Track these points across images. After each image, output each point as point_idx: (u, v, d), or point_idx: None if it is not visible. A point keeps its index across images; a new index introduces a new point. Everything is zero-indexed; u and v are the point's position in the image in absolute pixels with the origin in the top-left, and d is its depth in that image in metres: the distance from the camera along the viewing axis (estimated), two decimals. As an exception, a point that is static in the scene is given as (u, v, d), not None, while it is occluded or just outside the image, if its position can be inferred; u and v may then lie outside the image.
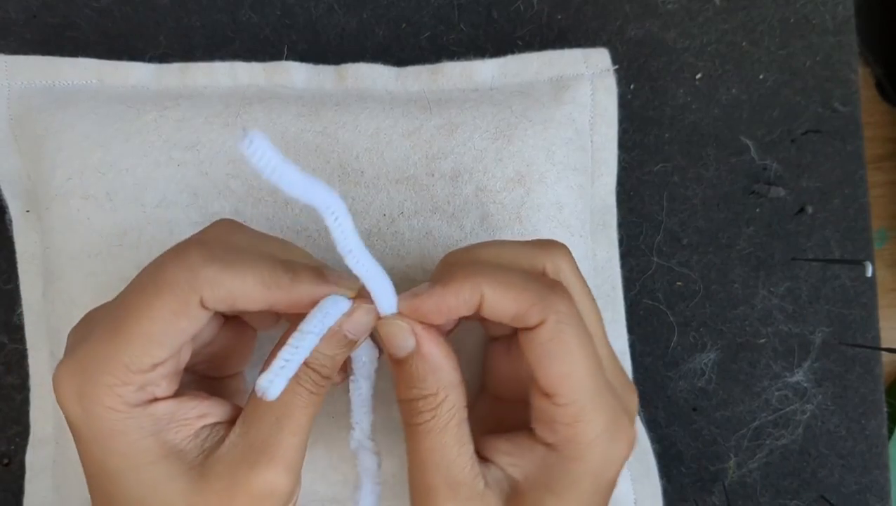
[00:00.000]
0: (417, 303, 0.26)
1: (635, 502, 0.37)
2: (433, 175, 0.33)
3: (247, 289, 0.24)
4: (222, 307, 0.25)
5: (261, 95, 0.35)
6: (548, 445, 0.26)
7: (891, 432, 0.43)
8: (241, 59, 0.36)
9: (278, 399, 0.24)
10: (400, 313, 0.26)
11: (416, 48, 0.39)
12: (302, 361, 0.25)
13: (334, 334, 0.26)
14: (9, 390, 0.37)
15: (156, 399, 0.25)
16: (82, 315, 0.27)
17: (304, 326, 0.25)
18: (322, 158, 0.33)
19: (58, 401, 0.25)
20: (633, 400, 0.29)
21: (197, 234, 0.27)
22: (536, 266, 0.27)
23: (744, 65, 0.40)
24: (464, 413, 0.27)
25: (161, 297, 0.24)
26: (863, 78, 0.45)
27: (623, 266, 0.38)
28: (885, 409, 0.40)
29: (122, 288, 0.26)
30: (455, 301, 0.25)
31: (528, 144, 0.34)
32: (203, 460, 0.25)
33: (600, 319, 0.29)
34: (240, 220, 0.32)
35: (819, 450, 0.39)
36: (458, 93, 0.36)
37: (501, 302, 0.25)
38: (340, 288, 0.26)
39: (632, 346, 0.38)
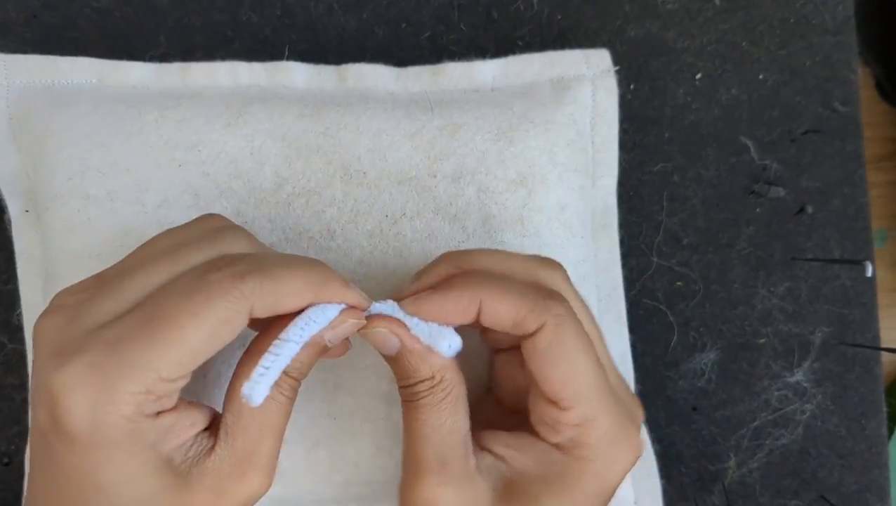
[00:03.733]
0: (417, 310, 0.26)
1: (635, 502, 0.37)
2: (435, 176, 0.33)
3: (293, 293, 0.25)
4: (266, 315, 0.25)
5: (262, 96, 0.35)
6: (551, 443, 0.26)
7: (891, 432, 0.43)
8: (241, 59, 0.36)
9: (262, 409, 0.25)
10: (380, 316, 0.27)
11: (417, 48, 0.39)
12: (282, 369, 0.25)
13: (316, 344, 0.26)
14: (9, 389, 0.37)
15: (163, 411, 0.24)
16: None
17: (287, 334, 0.25)
18: (324, 159, 0.33)
19: (55, 404, 0.23)
20: (637, 409, 0.29)
21: (222, 244, 0.27)
22: (533, 277, 0.27)
23: (744, 65, 0.40)
24: (459, 391, 0.27)
25: (211, 304, 0.23)
26: (863, 78, 0.45)
27: (623, 266, 0.38)
28: (885, 409, 0.40)
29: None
30: (454, 309, 0.26)
31: (529, 145, 0.34)
32: (188, 470, 0.25)
33: (600, 334, 0.29)
34: (241, 221, 0.32)
35: (819, 450, 0.39)
36: (460, 93, 0.36)
37: (499, 309, 0.25)
38: (360, 298, 0.27)
39: (632, 346, 0.38)
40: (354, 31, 0.39)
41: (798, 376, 0.39)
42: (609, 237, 0.38)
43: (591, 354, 0.26)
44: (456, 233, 0.33)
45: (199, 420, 0.26)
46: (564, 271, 0.28)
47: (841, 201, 0.40)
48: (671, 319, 0.39)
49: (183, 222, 0.28)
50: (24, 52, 0.37)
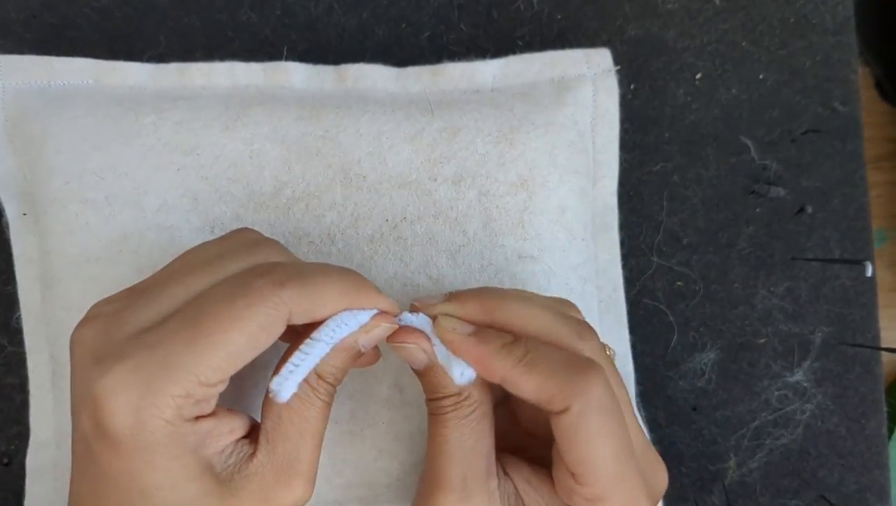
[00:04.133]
0: (456, 347, 0.27)
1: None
2: (435, 180, 0.33)
3: (329, 300, 0.25)
4: (303, 321, 0.25)
5: (260, 97, 0.35)
6: (564, 503, 0.27)
7: (891, 432, 0.43)
8: (241, 59, 0.36)
9: (300, 413, 0.25)
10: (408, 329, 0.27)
11: (416, 48, 0.39)
12: (311, 368, 0.25)
13: (349, 347, 0.26)
14: (9, 390, 0.37)
15: (202, 416, 0.25)
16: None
17: (318, 334, 0.26)
18: (324, 162, 0.33)
19: (98, 408, 0.23)
20: (660, 481, 0.29)
21: (258, 255, 0.27)
22: (568, 343, 0.27)
23: (744, 65, 0.40)
24: (486, 408, 0.27)
25: (253, 309, 0.24)
26: (863, 78, 0.45)
27: (623, 266, 0.38)
28: (885, 408, 0.40)
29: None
30: (481, 365, 0.26)
31: (530, 147, 0.34)
32: (230, 477, 0.25)
33: (628, 398, 0.28)
34: (241, 225, 0.32)
35: (819, 450, 0.39)
36: (460, 94, 0.36)
37: (524, 386, 0.25)
38: (392, 305, 0.27)
39: (632, 346, 0.38)
40: (354, 31, 0.39)
41: (798, 376, 0.39)
42: (609, 239, 0.38)
43: (615, 436, 0.25)
44: (456, 237, 0.33)
45: (237, 427, 0.26)
46: (597, 338, 0.28)
47: (841, 201, 0.40)
48: (671, 319, 0.39)
49: (182, 227, 0.28)
50: (24, 51, 0.37)
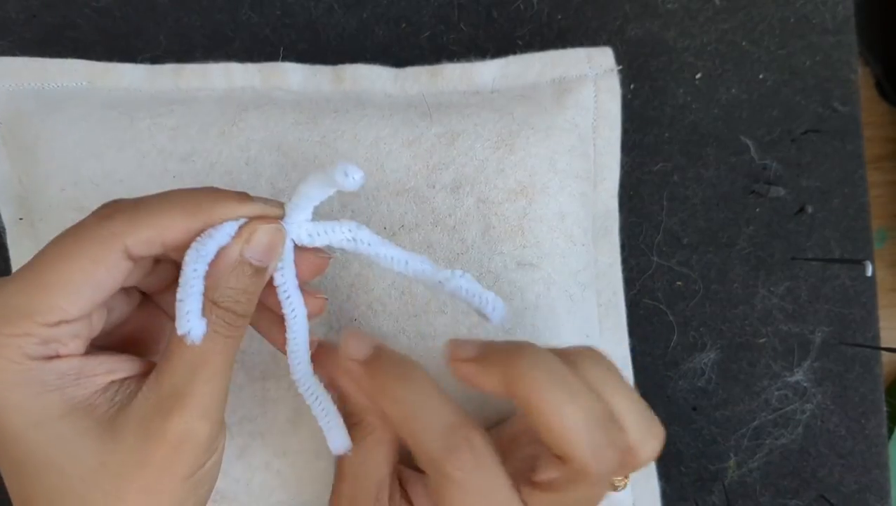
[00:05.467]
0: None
1: (633, 504, 0.37)
2: (434, 187, 0.33)
3: (170, 222, 0.24)
4: (150, 250, 0.24)
5: (257, 101, 0.34)
6: None
7: (890, 432, 0.43)
8: (240, 59, 0.36)
9: (191, 347, 0.24)
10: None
11: (416, 48, 0.39)
12: (200, 292, 0.24)
13: (231, 263, 0.25)
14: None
15: (59, 356, 0.24)
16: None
17: (186, 256, 0.24)
18: (321, 168, 0.33)
19: None
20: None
21: None
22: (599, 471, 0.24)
23: (744, 64, 0.40)
24: (380, 435, 0.27)
25: (80, 244, 0.23)
26: (863, 78, 0.45)
27: (623, 266, 0.38)
28: (885, 408, 0.40)
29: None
30: None
31: (530, 152, 0.33)
32: (115, 415, 0.24)
33: None
34: None
35: (819, 449, 0.39)
36: (459, 96, 0.36)
37: (396, 430, 0.25)
38: (269, 208, 0.25)
39: (631, 347, 0.38)
40: (354, 31, 0.39)
41: (798, 376, 0.39)
42: (610, 242, 0.38)
43: None
44: (455, 245, 0.33)
45: (120, 368, 0.25)
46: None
47: (841, 201, 0.40)
48: (671, 318, 0.39)
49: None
50: (24, 51, 0.36)
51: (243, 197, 0.25)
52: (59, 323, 0.23)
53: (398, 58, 0.38)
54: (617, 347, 0.37)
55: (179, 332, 0.23)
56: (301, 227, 0.26)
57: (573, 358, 0.25)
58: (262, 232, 0.25)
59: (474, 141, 0.33)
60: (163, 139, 0.33)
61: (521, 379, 0.23)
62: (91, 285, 0.23)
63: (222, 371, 0.25)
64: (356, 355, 0.25)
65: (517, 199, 0.33)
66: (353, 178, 0.23)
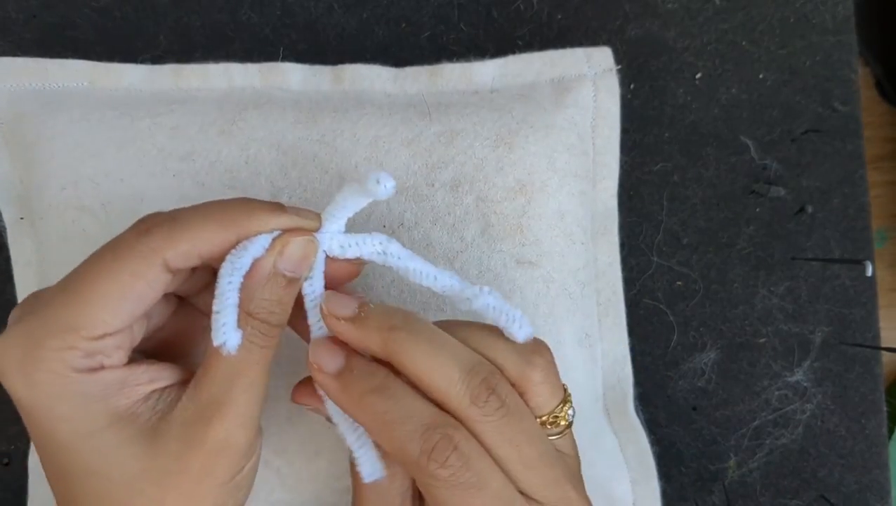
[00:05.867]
0: (319, 386, 0.26)
1: (634, 504, 0.37)
2: (433, 185, 0.33)
3: (207, 235, 0.24)
4: (188, 263, 0.25)
5: (257, 100, 0.34)
6: None
7: (891, 432, 0.43)
8: (240, 59, 0.36)
9: (228, 357, 0.24)
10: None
11: (416, 48, 0.39)
12: (235, 304, 0.24)
13: (264, 275, 0.25)
14: (9, 390, 0.37)
15: (103, 367, 0.25)
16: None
17: (222, 269, 0.25)
18: (320, 167, 0.33)
19: (1, 375, 0.24)
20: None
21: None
22: (459, 409, 0.25)
23: (744, 64, 0.40)
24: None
25: (120, 260, 0.24)
26: (863, 78, 0.45)
27: (623, 266, 0.38)
28: (885, 408, 0.40)
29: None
30: (348, 412, 0.26)
31: (529, 151, 0.33)
32: (156, 423, 0.25)
33: (532, 451, 0.26)
34: None
35: (819, 449, 0.39)
36: (458, 96, 0.36)
37: (380, 442, 0.25)
38: (301, 219, 0.26)
39: (631, 347, 0.38)
40: (354, 31, 0.39)
41: (798, 376, 0.39)
42: (609, 242, 0.38)
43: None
44: (454, 243, 0.33)
45: (161, 377, 0.26)
46: (504, 392, 0.25)
47: (841, 201, 0.40)
48: (671, 318, 0.39)
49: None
50: (24, 51, 0.37)
51: (277, 208, 0.26)
52: (102, 336, 0.24)
53: (398, 58, 0.38)
54: (616, 345, 0.37)
55: (215, 343, 0.23)
56: (333, 238, 0.26)
57: (448, 324, 0.27)
58: (295, 245, 0.26)
59: (473, 140, 0.33)
60: (163, 138, 0.33)
61: (394, 342, 0.25)
62: (132, 299, 0.24)
63: (259, 380, 0.25)
64: (341, 314, 0.26)
65: (516, 197, 0.33)
66: (384, 186, 0.23)
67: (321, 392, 0.26)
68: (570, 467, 0.27)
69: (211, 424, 0.24)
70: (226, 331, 0.24)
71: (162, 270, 0.24)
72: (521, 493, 0.25)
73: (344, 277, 0.27)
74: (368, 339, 0.25)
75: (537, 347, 0.27)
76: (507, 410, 0.25)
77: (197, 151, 0.33)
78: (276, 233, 0.26)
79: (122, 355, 0.25)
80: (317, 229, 0.26)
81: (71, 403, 0.24)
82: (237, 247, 0.25)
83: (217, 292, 0.24)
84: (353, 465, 0.27)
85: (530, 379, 0.26)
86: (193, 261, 0.25)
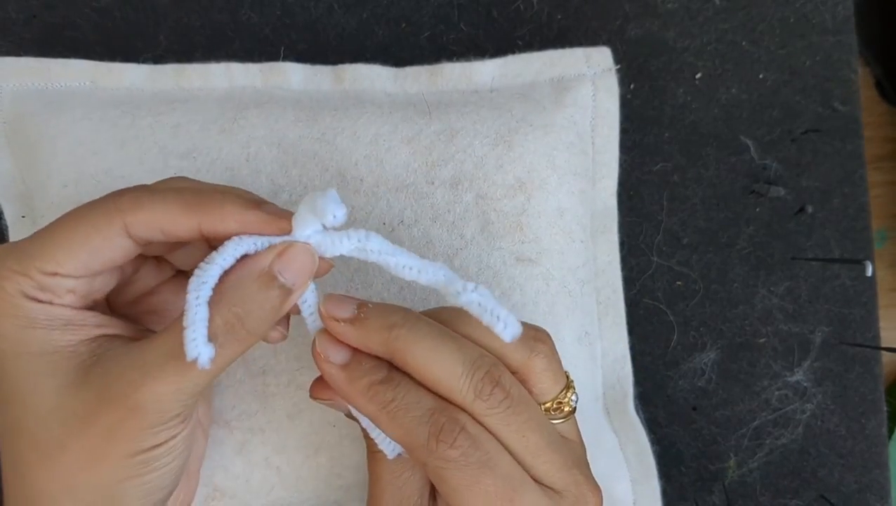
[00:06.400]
0: (326, 378, 0.26)
1: (634, 503, 0.37)
2: (433, 183, 0.33)
3: (168, 212, 0.25)
4: (149, 234, 0.25)
5: (257, 99, 0.34)
6: None
7: (890, 432, 0.43)
8: (240, 59, 0.36)
9: (175, 333, 0.24)
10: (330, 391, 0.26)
11: (416, 48, 0.39)
12: (204, 318, 0.23)
13: (262, 274, 0.24)
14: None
15: (51, 304, 0.25)
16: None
17: (190, 284, 0.24)
18: (321, 165, 0.33)
19: None
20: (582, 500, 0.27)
21: None
22: (465, 402, 0.25)
23: (744, 64, 0.40)
24: None
25: (88, 213, 0.25)
26: (863, 78, 0.45)
27: (623, 266, 0.38)
28: (885, 408, 0.40)
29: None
30: (353, 404, 0.26)
31: (528, 149, 0.34)
32: (90, 367, 0.25)
33: (537, 439, 0.26)
34: None
35: (819, 449, 0.39)
36: (458, 95, 0.36)
37: (387, 432, 0.25)
38: (273, 218, 0.25)
39: (631, 346, 0.38)
40: (354, 31, 0.39)
41: (798, 376, 0.39)
42: (609, 240, 0.38)
43: (483, 492, 0.24)
44: (454, 240, 0.33)
45: (112, 326, 0.26)
46: (508, 384, 0.26)
47: (841, 201, 0.40)
48: (671, 318, 0.39)
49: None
50: (24, 52, 0.37)
51: (250, 203, 0.25)
52: (54, 274, 0.25)
53: (398, 58, 0.38)
54: (616, 344, 0.37)
55: (188, 358, 0.23)
56: (310, 238, 0.26)
57: (444, 316, 0.27)
58: (297, 250, 0.25)
59: (473, 138, 0.33)
60: (164, 137, 0.33)
61: (395, 341, 0.25)
62: (87, 249, 0.25)
63: (197, 370, 0.24)
64: (340, 316, 0.26)
65: (516, 195, 0.33)
66: (333, 216, 0.24)
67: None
68: (576, 452, 0.28)
69: (141, 383, 0.24)
70: (197, 346, 0.23)
71: (121, 231, 0.25)
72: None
73: (317, 274, 0.27)
74: (369, 339, 0.25)
75: (538, 335, 0.27)
76: (511, 401, 0.25)
77: (198, 149, 0.33)
78: (246, 245, 0.25)
79: (73, 299, 0.25)
80: (287, 232, 0.25)
81: (12, 322, 0.25)
82: (205, 259, 0.24)
83: (186, 307, 0.23)
84: (370, 458, 0.27)
85: (533, 367, 0.26)
86: (155, 234, 0.25)
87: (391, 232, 0.33)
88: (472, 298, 0.25)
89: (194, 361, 0.23)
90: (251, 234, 0.25)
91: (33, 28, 0.38)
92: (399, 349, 0.25)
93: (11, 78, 0.35)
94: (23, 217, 0.35)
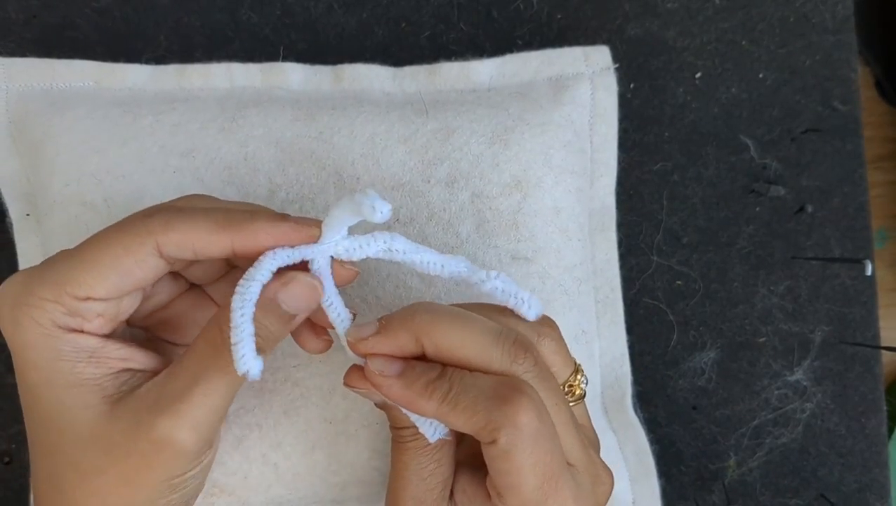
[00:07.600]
0: (385, 393, 0.26)
1: (633, 503, 0.37)
2: (429, 181, 0.33)
3: (199, 232, 0.25)
4: (180, 253, 0.25)
5: (257, 99, 0.35)
6: None
7: (890, 431, 0.43)
8: (240, 59, 0.36)
9: (196, 360, 0.25)
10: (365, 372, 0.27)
11: (416, 48, 0.39)
12: (251, 333, 0.24)
13: (268, 303, 0.25)
14: (10, 389, 0.37)
15: (82, 331, 0.25)
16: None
17: (233, 302, 0.25)
18: (318, 164, 0.33)
19: None
20: (602, 492, 0.28)
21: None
22: (500, 365, 0.26)
23: (743, 64, 0.40)
24: (444, 440, 0.27)
25: (118, 234, 0.25)
26: (863, 78, 0.45)
27: (623, 265, 0.38)
28: (885, 407, 0.40)
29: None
30: (416, 409, 0.26)
31: (525, 148, 0.34)
32: (118, 400, 0.26)
33: (567, 415, 0.27)
34: None
35: (819, 449, 0.39)
36: (456, 94, 0.36)
37: (454, 421, 0.25)
38: (301, 226, 0.26)
39: (631, 346, 0.38)
40: (354, 31, 0.39)
41: (798, 375, 0.39)
42: (607, 239, 0.38)
43: (543, 464, 0.25)
44: (449, 239, 0.33)
45: (136, 359, 0.27)
46: (535, 351, 0.27)
47: (841, 200, 0.40)
48: (671, 318, 0.39)
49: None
50: (24, 52, 0.37)
51: (277, 218, 0.26)
52: (86, 299, 0.25)
53: (398, 57, 0.38)
54: (614, 343, 0.37)
55: (240, 372, 0.24)
56: (338, 244, 0.27)
57: (462, 305, 0.28)
58: (300, 282, 0.26)
59: (469, 136, 0.33)
60: (164, 135, 0.33)
61: (424, 327, 0.25)
62: (119, 272, 0.25)
63: (222, 390, 0.25)
64: (366, 334, 0.26)
65: (511, 193, 0.33)
66: (380, 212, 0.24)
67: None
68: (588, 435, 0.29)
69: (161, 416, 0.25)
70: (247, 361, 0.24)
71: (153, 252, 0.25)
72: None
73: (343, 282, 0.28)
74: (399, 338, 0.26)
75: (545, 321, 0.28)
76: (540, 368, 0.26)
77: (197, 148, 0.33)
78: (281, 260, 0.26)
79: (102, 323, 0.26)
80: (317, 239, 0.26)
81: (43, 354, 0.25)
82: (244, 276, 0.25)
83: (232, 325, 0.24)
84: (397, 449, 0.27)
85: (542, 350, 0.27)
86: (187, 253, 0.25)
87: (387, 231, 0.33)
88: (495, 284, 0.27)
89: (246, 373, 0.24)
90: (283, 246, 0.26)
91: (33, 28, 0.38)
92: (428, 332, 0.25)
93: (17, 78, 0.35)
94: (27, 215, 0.36)
